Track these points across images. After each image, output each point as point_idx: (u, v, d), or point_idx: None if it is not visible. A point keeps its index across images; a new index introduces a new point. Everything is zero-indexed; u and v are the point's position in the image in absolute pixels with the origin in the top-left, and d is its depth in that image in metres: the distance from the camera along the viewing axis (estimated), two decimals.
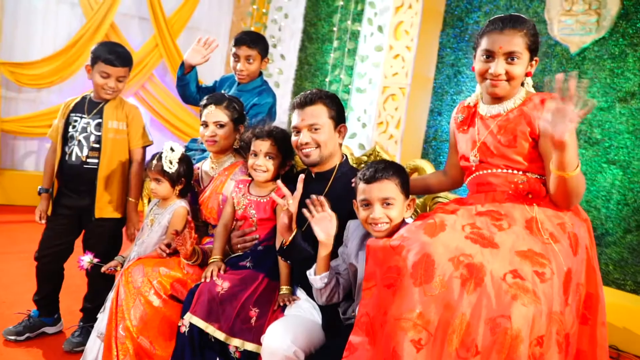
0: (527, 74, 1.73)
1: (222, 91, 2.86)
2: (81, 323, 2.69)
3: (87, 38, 5.26)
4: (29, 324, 2.66)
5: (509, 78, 1.69)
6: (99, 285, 2.65)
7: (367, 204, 1.72)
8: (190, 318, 1.89)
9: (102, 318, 2.27)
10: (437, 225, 1.49)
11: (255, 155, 2.15)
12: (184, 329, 1.93)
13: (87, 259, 2.40)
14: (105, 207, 2.57)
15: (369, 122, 4.95)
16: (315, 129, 2.02)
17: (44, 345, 2.63)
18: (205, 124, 2.32)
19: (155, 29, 5.55)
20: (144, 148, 2.65)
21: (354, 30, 5.17)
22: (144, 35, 5.77)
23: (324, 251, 1.81)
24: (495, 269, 1.38)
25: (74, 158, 2.55)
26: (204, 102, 2.37)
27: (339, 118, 2.07)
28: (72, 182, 2.58)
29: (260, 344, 1.78)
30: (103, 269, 2.39)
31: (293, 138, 2.10)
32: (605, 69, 3.89)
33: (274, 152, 2.14)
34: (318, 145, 2.03)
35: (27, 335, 2.64)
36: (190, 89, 2.91)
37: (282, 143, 2.16)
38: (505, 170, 1.71)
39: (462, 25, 4.70)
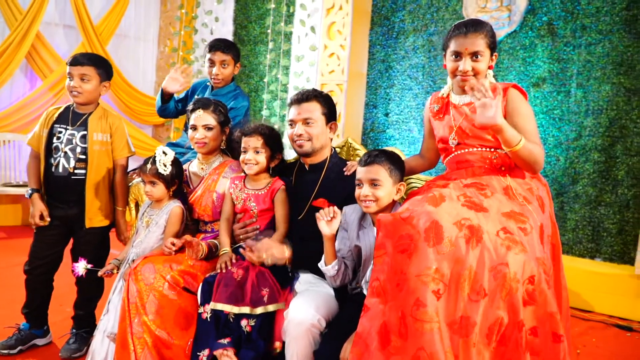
0: (489, 68, 2.07)
1: (195, 96, 3.02)
2: (74, 330, 2.74)
3: (12, 49, 5.10)
4: (20, 337, 2.67)
5: (475, 73, 2.03)
6: (90, 292, 2.73)
7: (359, 183, 2.01)
8: (214, 306, 2.06)
9: (108, 319, 2.37)
10: (437, 198, 1.79)
11: (245, 151, 2.35)
12: (205, 315, 2.10)
13: (82, 265, 2.46)
14: (94, 217, 2.63)
15: None
16: (309, 123, 2.26)
17: (40, 356, 2.66)
18: (195, 127, 2.47)
19: (84, 37, 5.47)
20: (127, 158, 2.74)
21: (287, 31, 5.41)
22: (71, 43, 5.67)
23: (329, 243, 2.04)
24: (489, 228, 1.71)
25: (60, 169, 2.58)
26: (190, 107, 2.51)
27: (330, 115, 2.32)
28: (59, 193, 2.61)
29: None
30: (100, 273, 2.47)
31: (288, 131, 2.33)
32: (519, 58, 4.42)
33: (262, 147, 2.34)
34: (310, 138, 2.27)
35: (19, 348, 2.65)
36: (170, 109, 3.07)
37: (269, 138, 2.36)
38: (480, 149, 2.05)
39: (389, 23, 5.08)
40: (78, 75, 2.56)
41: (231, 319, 2.08)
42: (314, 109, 2.27)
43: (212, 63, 2.94)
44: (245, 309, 2.05)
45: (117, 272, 2.48)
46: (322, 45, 5.08)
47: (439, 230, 1.67)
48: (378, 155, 2.01)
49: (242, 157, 2.36)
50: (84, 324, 2.75)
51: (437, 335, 1.55)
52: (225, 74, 2.94)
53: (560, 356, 1.65)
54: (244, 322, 2.04)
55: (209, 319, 2.10)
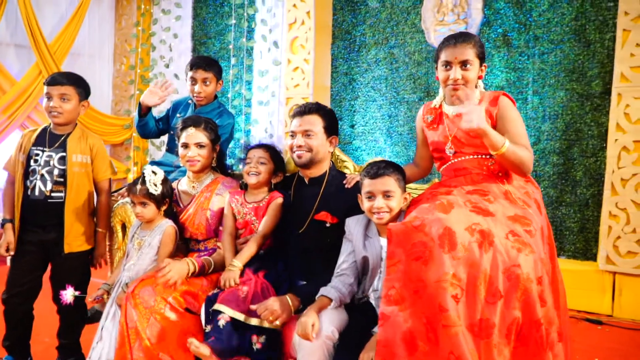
0: (479, 77, 2.17)
1: (177, 115, 3.00)
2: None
3: None
4: None
5: (465, 82, 2.12)
6: (73, 319, 2.63)
7: (371, 196, 2.04)
8: (217, 306, 2.07)
9: (103, 346, 2.30)
10: (446, 205, 1.86)
11: (249, 162, 2.38)
12: None
13: (70, 292, 2.38)
14: (74, 241, 2.54)
15: (275, 133, 5.25)
16: (309, 135, 2.30)
17: None
18: (186, 145, 2.45)
19: (38, 57, 5.29)
20: (110, 179, 2.68)
21: (249, 47, 5.42)
22: (23, 63, 5.47)
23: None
24: (498, 231, 1.79)
25: (37, 193, 2.49)
26: (180, 124, 2.50)
27: (331, 129, 2.36)
28: (35, 217, 2.51)
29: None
30: (89, 299, 2.41)
31: (289, 141, 2.36)
32: None
33: (266, 158, 2.39)
34: (310, 149, 2.30)
35: None
36: (149, 126, 3.03)
37: (274, 152, 2.42)
38: (476, 156, 2.14)
39: (350, 37, 5.19)
40: (58, 95, 2.49)
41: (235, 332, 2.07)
42: (315, 122, 2.31)
43: (194, 81, 2.93)
44: (239, 316, 2.05)
45: (108, 297, 2.42)
46: (285, 60, 5.12)
47: (452, 236, 1.73)
48: (386, 167, 2.06)
49: (246, 168, 2.39)
50: (70, 353, 2.65)
51: (462, 338, 1.62)
52: (208, 92, 2.93)
53: (568, 353, 1.75)
54: (254, 339, 2.04)
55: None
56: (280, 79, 5.23)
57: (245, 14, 5.36)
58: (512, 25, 4.46)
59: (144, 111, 2.99)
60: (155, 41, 5.95)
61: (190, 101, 3.05)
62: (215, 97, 3.02)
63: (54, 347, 2.69)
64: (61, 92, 2.50)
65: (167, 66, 5.79)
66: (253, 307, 2.04)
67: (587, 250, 4.16)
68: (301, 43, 5.07)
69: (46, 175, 2.51)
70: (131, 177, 5.91)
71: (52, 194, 2.52)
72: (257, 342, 2.05)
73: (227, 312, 2.07)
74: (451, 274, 1.68)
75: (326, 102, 5.26)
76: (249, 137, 5.40)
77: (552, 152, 4.27)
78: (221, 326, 2.03)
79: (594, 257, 4.08)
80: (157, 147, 5.88)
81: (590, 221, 4.14)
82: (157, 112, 3.23)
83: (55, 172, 2.52)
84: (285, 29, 5.16)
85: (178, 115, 3.01)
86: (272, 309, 1.99)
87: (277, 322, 2.01)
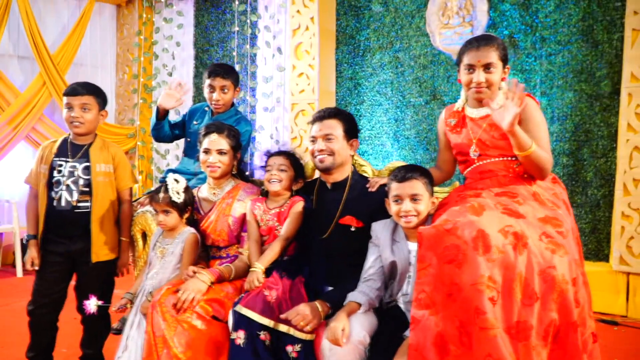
0: (502, 80, 2.16)
1: (194, 122, 2.98)
2: None
3: None
4: None
5: (489, 85, 2.11)
6: (97, 329, 2.61)
7: (399, 199, 2.02)
8: (240, 309, 2.05)
9: (129, 356, 2.27)
10: (477, 207, 1.84)
11: (270, 169, 2.37)
12: (239, 342, 2.05)
13: (93, 302, 2.36)
14: (100, 251, 2.53)
15: (281, 139, 5.23)
16: (330, 139, 2.28)
17: None
18: (208, 151, 2.43)
19: (42, 67, 5.25)
20: (131, 188, 2.66)
21: (252, 53, 5.41)
22: (26, 74, 5.45)
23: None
24: (531, 233, 1.78)
25: (63, 203, 2.48)
26: (203, 130, 2.48)
27: (351, 133, 2.35)
28: (62, 227, 2.49)
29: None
30: (113, 309, 2.38)
31: (310, 147, 2.35)
32: None
33: (286, 165, 2.39)
34: (332, 153, 2.29)
35: None
36: (165, 130, 3.02)
37: (294, 159, 2.42)
38: (501, 159, 2.12)
39: (354, 42, 5.19)
40: (79, 105, 2.48)
41: (267, 344, 2.05)
42: (335, 126, 2.30)
43: (212, 89, 2.92)
44: (267, 322, 2.03)
45: (131, 307, 2.39)
46: (290, 66, 5.11)
47: (486, 238, 1.72)
48: (413, 170, 2.05)
49: (267, 175, 2.37)
50: None
51: (501, 341, 1.60)
52: (226, 99, 2.92)
53: (599, 355, 1.74)
54: (289, 348, 2.01)
55: (242, 345, 2.05)
56: (284, 85, 5.22)
57: (248, 21, 5.35)
58: (519, 27, 4.47)
59: (162, 114, 2.97)
60: (157, 50, 5.93)
61: (207, 108, 3.04)
62: (232, 104, 3.01)
63: (73, 357, 2.66)
64: (82, 102, 2.49)
65: (170, 74, 5.77)
66: (283, 315, 2.02)
67: (599, 251, 4.15)
68: (306, 49, 5.06)
69: (72, 186, 2.50)
70: (135, 186, 5.87)
71: (79, 204, 2.51)
72: (292, 352, 2.02)
73: (254, 318, 2.04)
74: (487, 277, 1.66)
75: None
76: (255, 144, 5.37)
77: (562, 153, 4.26)
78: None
79: (606, 258, 4.07)
80: (162, 156, 5.85)
81: (601, 222, 4.13)
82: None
83: (81, 182, 2.51)
84: (289, 34, 5.16)
85: (195, 122, 3.00)
86: (304, 313, 1.97)
87: (308, 327, 1.98)
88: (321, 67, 5.07)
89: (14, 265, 5.18)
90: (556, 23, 4.31)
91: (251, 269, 2.24)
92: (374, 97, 5.11)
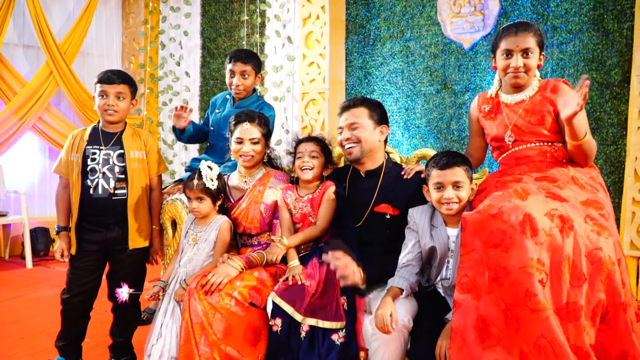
0: (538, 66, 2.19)
1: (216, 110, 2.98)
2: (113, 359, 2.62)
3: None
4: None
5: (527, 70, 2.14)
6: (128, 317, 2.63)
7: (440, 186, 2.04)
8: (273, 297, 2.09)
9: (163, 343, 2.27)
10: (521, 192, 1.87)
11: (301, 156, 2.37)
12: (276, 328, 2.07)
13: (125, 290, 2.36)
14: (136, 238, 2.54)
15: (291, 128, 5.24)
16: (355, 127, 2.30)
17: None
18: (241, 141, 2.44)
19: (48, 57, 5.21)
20: (161, 175, 2.66)
21: (261, 43, 5.40)
22: (32, 64, 5.40)
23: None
24: (576, 216, 1.81)
25: (100, 191, 2.48)
26: (234, 119, 2.48)
27: (380, 119, 2.36)
28: (98, 215, 2.50)
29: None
30: (146, 297, 2.39)
31: (338, 137, 2.36)
32: None
33: (317, 152, 2.39)
34: (358, 141, 2.30)
35: None
36: (189, 135, 3.02)
37: (324, 145, 2.43)
38: (537, 144, 2.16)
39: (364, 31, 5.19)
40: (114, 94, 2.49)
41: (306, 330, 2.07)
42: (361, 114, 2.32)
43: (232, 74, 2.92)
44: (297, 316, 2.05)
45: (163, 294, 2.40)
46: (300, 55, 5.11)
47: (533, 222, 1.74)
48: (455, 157, 2.07)
49: (298, 162, 2.38)
50: (123, 352, 2.64)
51: (554, 322, 1.63)
52: (247, 85, 2.92)
53: None
54: (335, 337, 2.02)
55: (280, 332, 2.07)
56: (294, 74, 5.21)
57: (257, 10, 5.33)
58: (530, 15, 4.48)
59: (181, 131, 2.99)
60: (164, 39, 5.89)
61: (228, 96, 3.03)
62: (254, 90, 3.00)
63: (97, 348, 2.67)
64: (118, 91, 2.49)
65: (179, 64, 5.74)
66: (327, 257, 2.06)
67: None
68: (316, 38, 5.05)
69: (108, 173, 2.50)
70: None
71: (116, 191, 2.51)
72: (339, 339, 2.03)
73: (287, 311, 2.07)
74: (536, 259, 1.69)
75: (341, 96, 5.25)
76: None
77: None
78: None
79: None
80: (169, 146, 5.83)
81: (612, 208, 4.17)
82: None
83: (117, 169, 2.52)
84: (299, 24, 5.15)
85: (217, 111, 2.99)
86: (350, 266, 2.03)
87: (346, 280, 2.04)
88: (331, 56, 5.07)
89: (22, 257, 5.16)
90: (567, 12, 4.33)
91: (290, 265, 2.26)
92: (385, 86, 5.12)
